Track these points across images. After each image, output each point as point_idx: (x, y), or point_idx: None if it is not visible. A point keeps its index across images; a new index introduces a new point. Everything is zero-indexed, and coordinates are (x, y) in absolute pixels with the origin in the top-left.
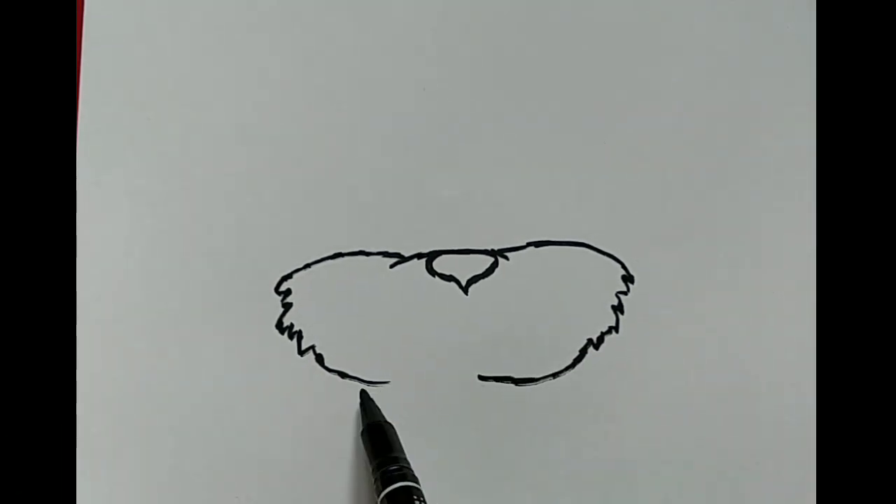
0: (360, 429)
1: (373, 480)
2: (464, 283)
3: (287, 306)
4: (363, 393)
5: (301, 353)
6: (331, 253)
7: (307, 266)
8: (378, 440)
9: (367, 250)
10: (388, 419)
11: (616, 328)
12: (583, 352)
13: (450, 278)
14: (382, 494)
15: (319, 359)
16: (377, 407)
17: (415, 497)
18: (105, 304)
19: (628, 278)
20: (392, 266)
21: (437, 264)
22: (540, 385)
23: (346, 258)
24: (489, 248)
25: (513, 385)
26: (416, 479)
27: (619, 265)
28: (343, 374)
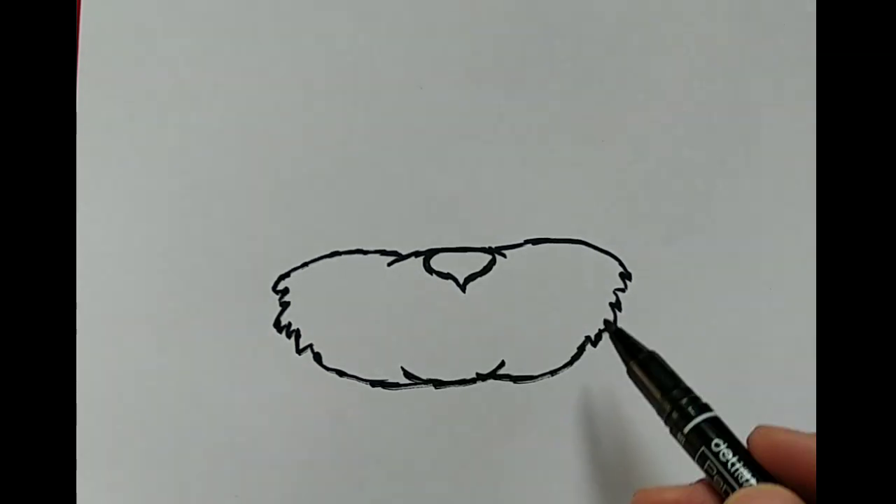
0: (628, 367)
1: (664, 417)
2: (461, 281)
3: (285, 305)
4: (618, 331)
5: (299, 351)
6: (328, 251)
7: (305, 265)
8: (661, 372)
9: (365, 249)
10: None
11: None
12: (581, 349)
13: (447, 276)
14: (689, 427)
15: (317, 357)
16: (634, 339)
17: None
18: (104, 304)
19: (626, 275)
20: (389, 264)
21: (435, 262)
22: (538, 383)
23: (344, 257)
24: (487, 245)
25: (511, 383)
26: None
27: (616, 262)
28: (341, 373)
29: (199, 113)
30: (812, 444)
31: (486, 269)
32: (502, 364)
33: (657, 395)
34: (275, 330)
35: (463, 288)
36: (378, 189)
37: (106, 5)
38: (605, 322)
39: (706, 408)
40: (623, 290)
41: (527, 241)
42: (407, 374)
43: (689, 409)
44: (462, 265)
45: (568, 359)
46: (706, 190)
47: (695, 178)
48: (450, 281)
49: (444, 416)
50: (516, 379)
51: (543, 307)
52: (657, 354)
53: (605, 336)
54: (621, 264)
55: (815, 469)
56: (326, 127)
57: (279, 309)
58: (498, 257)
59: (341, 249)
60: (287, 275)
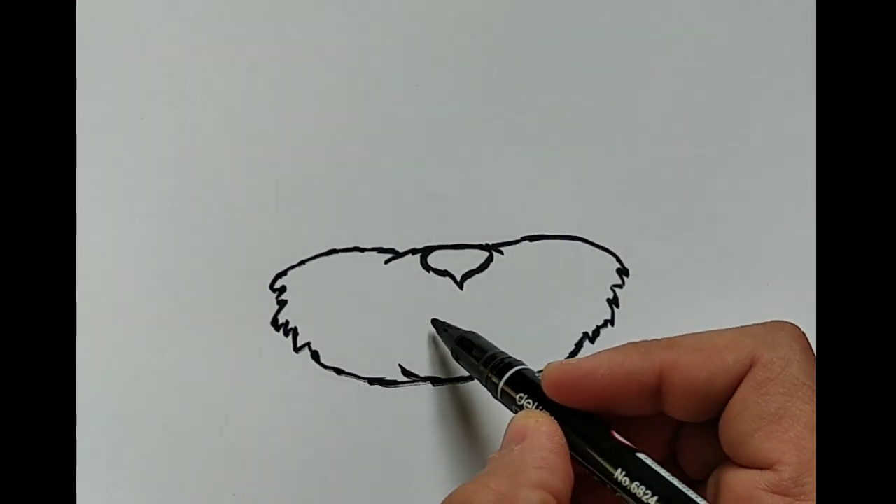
0: (451, 348)
1: (484, 381)
2: (459, 279)
3: (282, 303)
4: (435, 320)
5: (296, 349)
6: (325, 250)
7: (302, 263)
8: (473, 348)
9: (362, 246)
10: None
11: (611, 321)
12: (578, 345)
13: (445, 273)
14: (499, 390)
15: (315, 356)
16: (452, 325)
17: (530, 376)
18: (104, 303)
19: (623, 271)
20: (387, 262)
21: (432, 259)
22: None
23: (341, 254)
24: (484, 242)
25: None
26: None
27: (613, 258)
28: (339, 371)
29: (197, 112)
30: (589, 364)
31: (484, 266)
32: None
33: (474, 366)
34: (272, 328)
35: (460, 285)
36: (375, 187)
37: (100, 6)
38: (433, 320)
39: (511, 366)
40: (620, 287)
41: (524, 238)
42: (405, 372)
43: (499, 371)
44: (459, 262)
45: (566, 355)
46: (703, 185)
47: (691, 174)
48: (447, 278)
49: (441, 414)
50: None
51: (541, 304)
52: (474, 333)
53: (603, 333)
54: (618, 260)
55: (598, 389)
56: (323, 125)
57: (276, 307)
58: (495, 254)
59: (338, 247)
60: (284, 273)
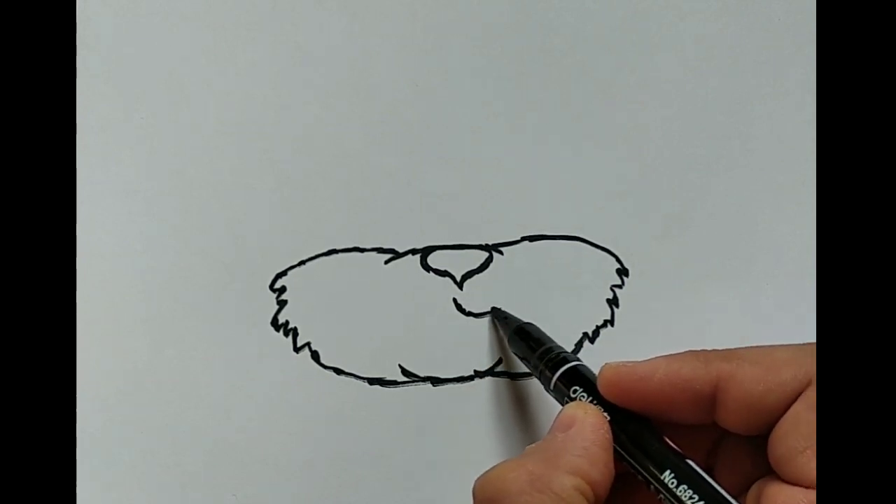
0: (507, 336)
1: (538, 373)
2: (459, 279)
3: (282, 303)
4: (495, 309)
5: (296, 350)
6: (325, 250)
7: (302, 263)
8: (530, 338)
9: (362, 246)
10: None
11: (611, 321)
12: (578, 346)
13: (445, 273)
14: (554, 381)
15: (315, 356)
16: (512, 315)
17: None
18: (104, 303)
19: (623, 272)
20: (387, 262)
21: (432, 260)
22: (535, 380)
23: (341, 255)
24: (484, 242)
25: (509, 380)
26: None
27: (613, 259)
28: (338, 371)
29: (197, 112)
30: (645, 369)
31: (484, 267)
32: (500, 361)
33: (529, 357)
34: (272, 328)
35: (460, 285)
36: (375, 187)
37: (100, 6)
38: (492, 308)
39: (567, 360)
40: (620, 287)
41: (524, 238)
42: (405, 372)
43: (554, 364)
44: (459, 262)
45: None
46: (703, 185)
47: (691, 174)
48: (447, 278)
49: (441, 414)
50: (514, 376)
51: (540, 304)
52: (532, 324)
53: (603, 333)
54: (618, 260)
55: (653, 393)
56: (323, 125)
57: (276, 307)
58: (495, 254)
59: (338, 247)
60: (284, 273)
